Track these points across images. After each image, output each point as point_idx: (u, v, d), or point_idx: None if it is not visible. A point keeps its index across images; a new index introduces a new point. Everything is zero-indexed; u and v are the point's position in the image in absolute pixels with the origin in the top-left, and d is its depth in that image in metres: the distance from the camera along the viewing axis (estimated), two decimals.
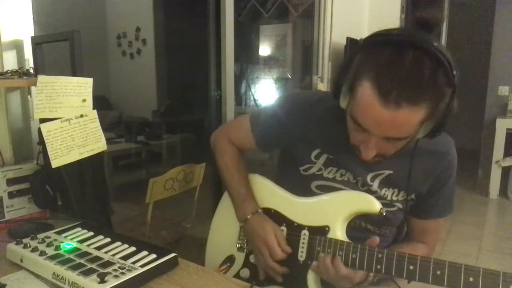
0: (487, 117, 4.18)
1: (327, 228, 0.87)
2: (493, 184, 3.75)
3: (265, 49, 5.50)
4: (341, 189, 0.93)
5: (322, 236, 0.87)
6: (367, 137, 0.76)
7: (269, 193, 1.01)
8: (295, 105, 1.00)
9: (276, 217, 0.96)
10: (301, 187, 0.97)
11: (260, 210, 0.97)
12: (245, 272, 0.98)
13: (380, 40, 0.72)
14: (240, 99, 5.54)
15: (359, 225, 0.95)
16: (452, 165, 0.93)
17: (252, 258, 0.99)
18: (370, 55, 0.72)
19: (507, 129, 3.66)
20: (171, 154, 4.55)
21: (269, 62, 5.53)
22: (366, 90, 0.70)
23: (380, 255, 0.78)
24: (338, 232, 0.86)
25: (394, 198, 0.93)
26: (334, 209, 0.89)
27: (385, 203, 0.92)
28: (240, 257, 1.01)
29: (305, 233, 0.90)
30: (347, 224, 0.89)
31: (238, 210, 1.01)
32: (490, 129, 3.89)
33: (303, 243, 0.90)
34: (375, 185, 0.92)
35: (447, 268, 0.71)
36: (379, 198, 0.91)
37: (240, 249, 1.01)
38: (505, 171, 3.74)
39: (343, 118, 0.84)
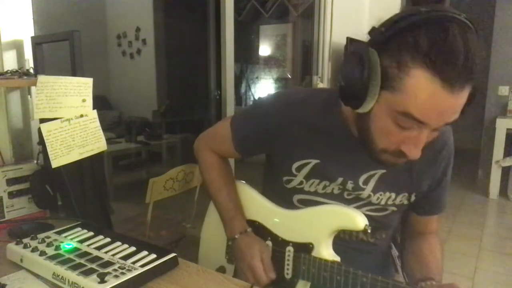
0: (487, 117, 4.18)
1: (311, 245, 0.83)
2: (493, 184, 3.75)
3: (265, 49, 5.51)
4: (323, 203, 0.88)
5: (307, 254, 0.83)
6: (414, 133, 0.66)
7: (254, 204, 0.97)
8: (277, 107, 0.89)
9: (261, 230, 0.93)
10: (284, 199, 0.92)
11: (249, 229, 0.92)
12: None
13: (411, 23, 0.62)
14: (240, 99, 5.55)
15: (350, 235, 0.90)
16: (452, 152, 0.87)
17: None
18: (407, 43, 0.62)
19: (507, 129, 3.66)
20: (171, 154, 4.55)
21: (269, 62, 5.54)
22: (421, 80, 0.61)
23: (364, 279, 0.74)
24: (323, 250, 0.82)
25: (390, 203, 0.87)
26: (317, 225, 0.84)
27: (378, 208, 0.87)
28: (230, 269, 0.99)
29: (289, 249, 0.87)
30: (332, 239, 0.84)
31: (226, 228, 0.96)
32: (490, 129, 3.89)
33: (288, 260, 0.86)
34: (368, 189, 0.85)
35: None
36: (370, 203, 0.86)
37: (229, 260, 0.99)
38: (505, 171, 3.74)
39: (337, 118, 0.81)
